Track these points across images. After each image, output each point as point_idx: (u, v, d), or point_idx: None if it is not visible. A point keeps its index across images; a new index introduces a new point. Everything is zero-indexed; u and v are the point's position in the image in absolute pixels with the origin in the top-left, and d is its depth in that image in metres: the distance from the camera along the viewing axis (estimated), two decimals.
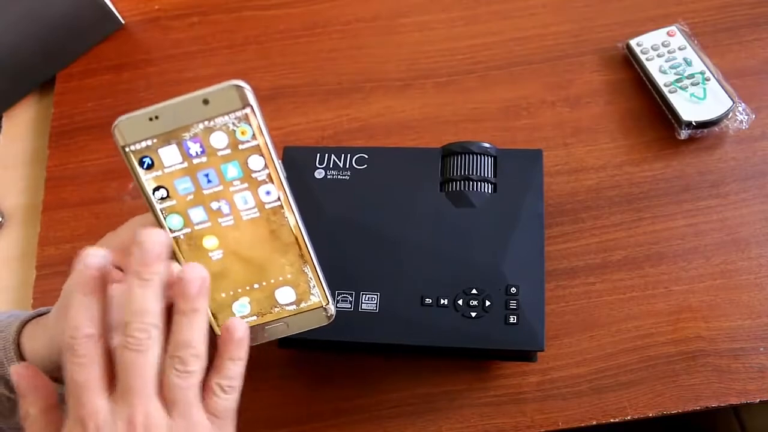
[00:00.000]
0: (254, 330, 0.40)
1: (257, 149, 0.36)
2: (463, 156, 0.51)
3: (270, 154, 0.36)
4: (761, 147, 0.58)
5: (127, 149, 0.35)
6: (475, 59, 0.66)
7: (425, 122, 0.63)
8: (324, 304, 0.40)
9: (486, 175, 0.50)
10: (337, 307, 0.47)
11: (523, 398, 0.51)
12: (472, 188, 0.49)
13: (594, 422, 0.50)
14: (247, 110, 0.35)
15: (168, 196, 0.36)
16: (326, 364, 0.53)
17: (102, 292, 0.33)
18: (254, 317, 0.40)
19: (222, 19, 0.72)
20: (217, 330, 0.40)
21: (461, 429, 0.50)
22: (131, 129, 0.35)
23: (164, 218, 0.37)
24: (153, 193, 0.36)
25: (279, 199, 0.37)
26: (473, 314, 0.46)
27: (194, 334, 0.33)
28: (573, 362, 0.52)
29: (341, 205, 0.50)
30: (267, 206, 0.38)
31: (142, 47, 0.72)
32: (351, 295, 0.47)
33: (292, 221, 0.38)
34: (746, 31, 0.64)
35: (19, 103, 0.71)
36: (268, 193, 0.37)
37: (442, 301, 0.46)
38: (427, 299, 0.46)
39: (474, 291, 0.46)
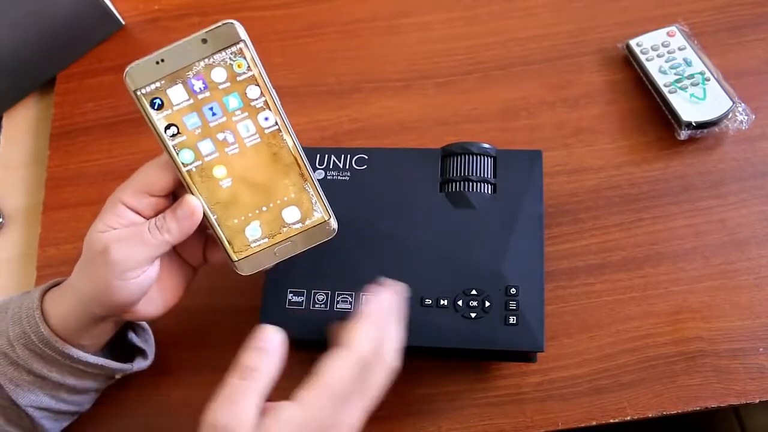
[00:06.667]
0: (266, 252, 0.44)
1: (253, 79, 0.40)
2: (462, 157, 0.51)
3: (264, 82, 0.40)
4: (761, 147, 0.58)
5: (138, 93, 0.39)
6: (475, 59, 0.66)
7: (425, 123, 0.63)
8: (327, 218, 0.44)
9: (486, 175, 0.50)
10: (337, 307, 0.47)
11: (523, 399, 0.51)
12: (472, 189, 0.49)
13: (594, 422, 0.50)
14: (241, 45, 0.39)
15: (178, 132, 0.40)
16: None
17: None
18: (265, 239, 0.43)
19: (222, 20, 0.72)
20: (233, 256, 0.43)
21: (461, 429, 0.50)
22: (141, 74, 0.39)
23: (177, 154, 0.40)
24: (165, 131, 0.40)
25: (276, 123, 0.41)
26: (473, 315, 0.46)
27: None
28: (573, 363, 0.52)
29: (341, 205, 0.50)
30: (266, 131, 0.41)
31: (142, 47, 0.71)
32: (351, 295, 0.47)
33: (290, 143, 0.42)
34: (746, 31, 0.64)
35: (19, 104, 0.71)
36: (266, 119, 0.41)
37: (441, 302, 0.46)
38: (427, 300, 0.47)
39: (474, 292, 0.46)
